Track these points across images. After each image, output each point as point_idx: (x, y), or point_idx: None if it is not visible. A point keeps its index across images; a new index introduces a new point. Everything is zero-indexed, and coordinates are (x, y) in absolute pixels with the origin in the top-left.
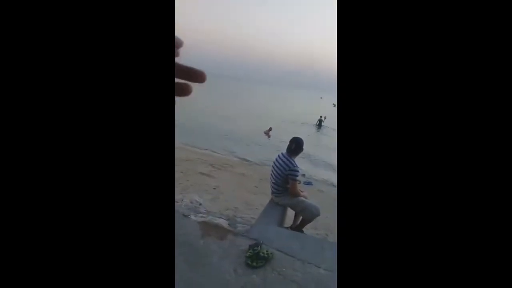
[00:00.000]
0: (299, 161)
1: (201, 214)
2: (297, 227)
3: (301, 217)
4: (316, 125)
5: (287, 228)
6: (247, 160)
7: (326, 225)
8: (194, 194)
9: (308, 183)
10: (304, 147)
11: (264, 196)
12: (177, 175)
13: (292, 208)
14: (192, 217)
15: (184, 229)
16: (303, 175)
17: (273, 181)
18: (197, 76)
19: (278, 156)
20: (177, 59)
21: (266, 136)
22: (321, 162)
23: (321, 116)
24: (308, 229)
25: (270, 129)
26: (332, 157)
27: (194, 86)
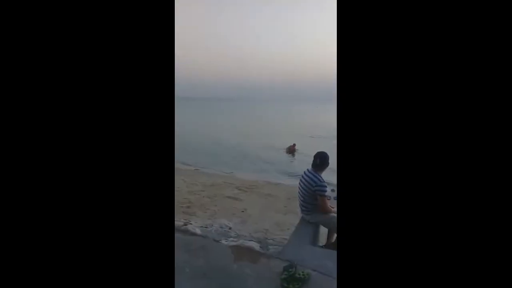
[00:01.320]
0: (327, 176)
1: (231, 238)
2: (332, 245)
3: (335, 234)
4: None
5: (321, 246)
6: (272, 180)
7: None
8: (223, 219)
9: None
10: (330, 160)
11: (293, 215)
12: (204, 200)
13: (324, 225)
14: (223, 241)
15: (216, 254)
16: (332, 190)
17: (301, 198)
18: None
19: (304, 172)
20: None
21: (289, 154)
22: None
23: None
24: None
25: (294, 145)
26: None
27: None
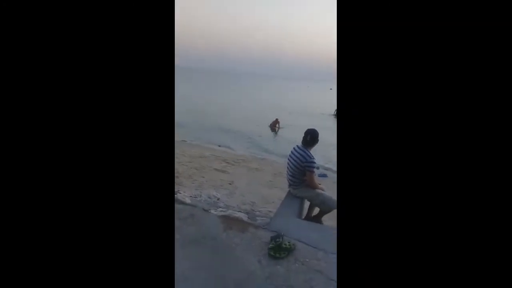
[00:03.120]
0: (315, 153)
1: (220, 209)
2: (315, 218)
3: (317, 209)
4: (333, 115)
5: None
6: (259, 155)
7: None
8: (211, 190)
9: (323, 175)
10: (320, 138)
11: (279, 190)
12: (191, 171)
13: (309, 200)
14: (212, 211)
15: (207, 223)
16: (318, 168)
17: (290, 173)
18: None
19: (294, 148)
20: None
21: (273, 129)
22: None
23: None
24: (326, 221)
25: (277, 120)
26: None
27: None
